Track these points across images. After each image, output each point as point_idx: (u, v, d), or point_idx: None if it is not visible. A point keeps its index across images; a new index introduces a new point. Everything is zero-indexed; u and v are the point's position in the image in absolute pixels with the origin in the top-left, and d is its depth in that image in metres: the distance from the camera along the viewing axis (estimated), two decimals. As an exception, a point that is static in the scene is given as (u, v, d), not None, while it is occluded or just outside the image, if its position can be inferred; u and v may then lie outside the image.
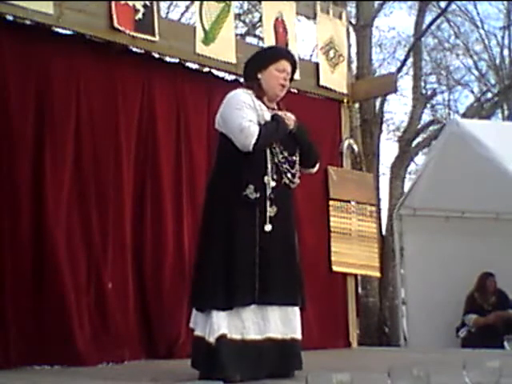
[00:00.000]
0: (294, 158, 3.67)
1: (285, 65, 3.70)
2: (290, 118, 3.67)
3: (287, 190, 3.63)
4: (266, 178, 3.51)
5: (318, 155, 3.86)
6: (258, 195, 3.48)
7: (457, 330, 7.07)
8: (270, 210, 3.50)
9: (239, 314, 3.45)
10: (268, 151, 3.55)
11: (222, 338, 3.39)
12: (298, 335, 3.64)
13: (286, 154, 3.61)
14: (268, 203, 3.50)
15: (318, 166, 3.91)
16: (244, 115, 3.50)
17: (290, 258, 3.62)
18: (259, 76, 3.68)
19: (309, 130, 3.81)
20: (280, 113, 3.68)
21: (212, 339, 3.39)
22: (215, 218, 3.56)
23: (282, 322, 3.56)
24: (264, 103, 3.65)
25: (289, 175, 3.61)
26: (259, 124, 3.52)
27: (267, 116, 3.60)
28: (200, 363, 3.48)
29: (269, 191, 3.50)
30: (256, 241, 3.47)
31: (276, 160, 3.57)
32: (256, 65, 3.72)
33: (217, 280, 3.44)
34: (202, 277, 3.53)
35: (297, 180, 3.67)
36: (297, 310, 3.65)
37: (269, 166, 3.54)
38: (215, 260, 3.48)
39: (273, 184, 3.52)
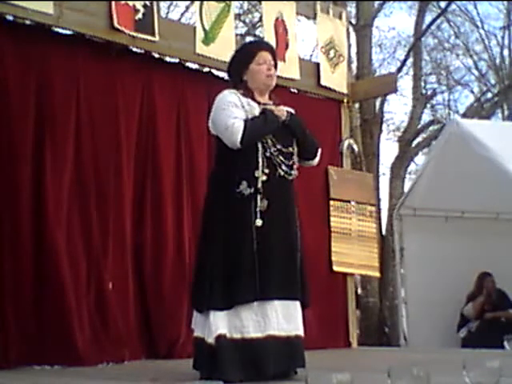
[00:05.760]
0: (291, 149, 3.62)
1: (263, 55, 3.68)
2: (280, 110, 3.64)
3: (284, 183, 3.58)
4: (256, 173, 3.48)
5: (317, 145, 3.80)
6: (253, 190, 3.46)
7: (458, 327, 7.07)
8: (261, 205, 3.46)
9: (238, 314, 3.42)
10: (260, 145, 3.52)
11: (220, 338, 3.37)
12: (301, 332, 3.60)
13: (279, 147, 3.56)
14: (259, 198, 3.47)
15: (318, 157, 3.85)
16: (229, 113, 3.50)
17: (290, 252, 3.57)
18: (245, 78, 3.67)
19: (303, 121, 3.76)
20: (270, 106, 3.63)
21: (211, 340, 3.38)
22: (212, 217, 3.56)
23: (284, 319, 3.51)
24: (255, 100, 3.62)
25: (283, 167, 3.56)
26: (246, 120, 3.50)
27: (257, 112, 3.57)
28: (201, 364, 3.47)
29: (259, 185, 3.47)
30: (253, 237, 3.45)
31: (268, 153, 3.53)
32: (238, 68, 3.72)
33: (214, 280, 3.43)
34: (200, 277, 3.53)
35: (294, 172, 3.63)
36: (298, 305, 3.60)
37: (259, 159, 3.50)
38: (213, 260, 3.47)
39: (263, 178, 3.48)
